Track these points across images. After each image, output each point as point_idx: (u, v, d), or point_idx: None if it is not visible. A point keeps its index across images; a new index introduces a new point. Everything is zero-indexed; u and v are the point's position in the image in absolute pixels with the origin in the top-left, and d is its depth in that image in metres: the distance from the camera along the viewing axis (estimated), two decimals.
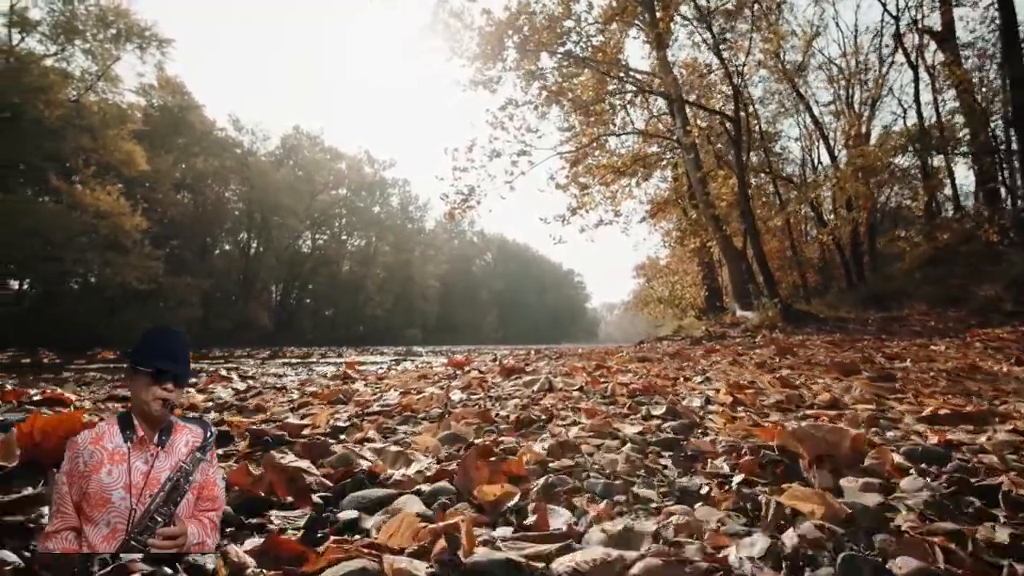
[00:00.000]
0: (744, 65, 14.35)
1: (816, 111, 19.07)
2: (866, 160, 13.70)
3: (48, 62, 23.83)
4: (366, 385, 4.10)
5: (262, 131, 44.46)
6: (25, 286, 26.09)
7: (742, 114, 13.49)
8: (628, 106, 16.49)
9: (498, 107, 14.22)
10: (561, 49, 13.06)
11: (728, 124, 13.44)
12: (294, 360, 10.58)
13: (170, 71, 31.56)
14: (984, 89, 15.84)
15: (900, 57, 17.29)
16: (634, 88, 14.59)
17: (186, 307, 30.58)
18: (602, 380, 3.80)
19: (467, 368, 5.44)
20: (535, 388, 3.46)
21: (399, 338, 51.40)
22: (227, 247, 42.66)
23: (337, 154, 53.25)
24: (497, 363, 5.90)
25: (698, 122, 15.43)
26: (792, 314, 11.34)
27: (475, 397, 3.21)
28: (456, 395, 3.25)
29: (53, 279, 24.75)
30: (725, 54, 13.81)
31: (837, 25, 21.40)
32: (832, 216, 18.73)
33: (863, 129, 17.93)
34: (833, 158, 18.68)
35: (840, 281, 18.81)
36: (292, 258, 45.75)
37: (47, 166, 22.30)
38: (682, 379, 3.93)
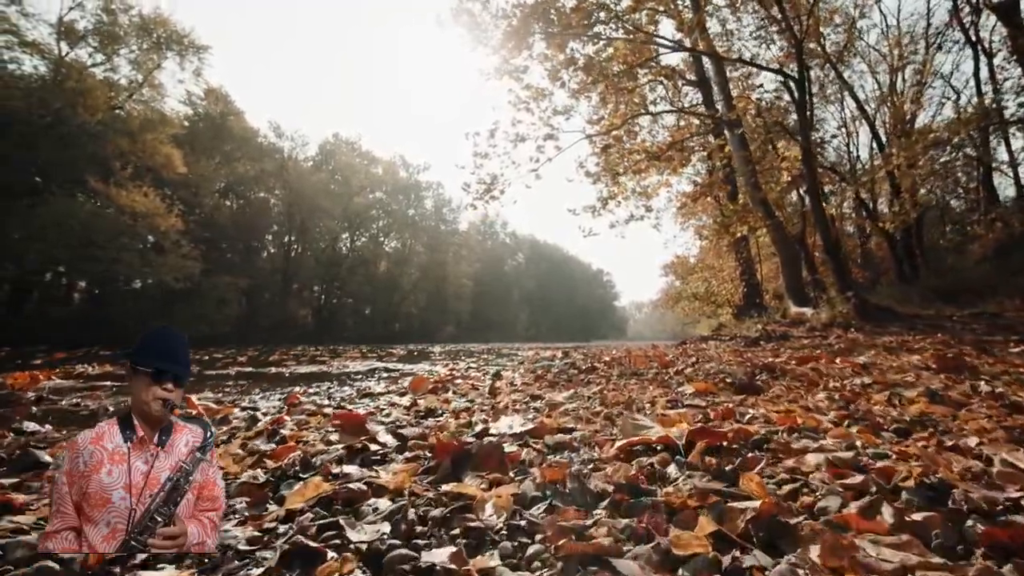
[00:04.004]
0: (809, 18, 11.86)
1: (862, 96, 18.12)
2: (937, 136, 12.63)
3: (97, 71, 25.22)
4: None
5: (301, 137, 45.99)
6: (83, 285, 28.01)
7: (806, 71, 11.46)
8: (661, 84, 15.49)
9: (522, 87, 13.04)
10: (590, 32, 12.28)
11: (792, 85, 11.98)
12: (240, 370, 8.18)
13: (214, 81, 32.92)
14: None
15: (947, 41, 16.23)
16: (670, 48, 12.86)
17: (227, 305, 31.91)
18: None
19: (362, 440, 2.25)
20: None
21: (434, 335, 52.27)
22: (272, 250, 44.43)
23: (373, 158, 54.50)
24: (456, 411, 3.10)
25: (749, 94, 14.42)
26: (868, 310, 9.79)
27: None
28: None
29: (100, 279, 26.23)
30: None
31: (880, 9, 20.09)
32: (893, 204, 17.53)
33: (909, 115, 16.91)
34: (881, 146, 17.68)
35: (888, 276, 17.81)
36: (330, 259, 47.14)
37: (89, 169, 23.41)
38: None
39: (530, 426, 2.38)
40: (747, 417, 2.47)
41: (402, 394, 4.17)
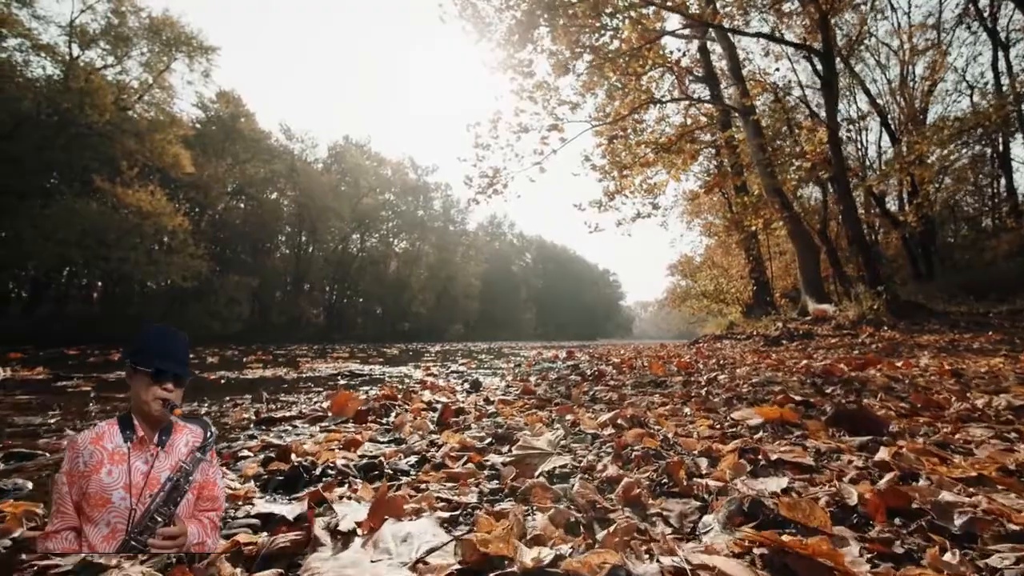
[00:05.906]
0: None
1: (874, 90, 17.85)
2: (964, 123, 12.26)
3: (108, 73, 25.38)
4: None
5: (311, 139, 46.32)
6: (99, 284, 28.44)
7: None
8: (670, 74, 15.06)
9: (523, 74, 12.48)
10: (597, 24, 11.77)
11: (816, 61, 11.38)
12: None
13: (223, 83, 33.04)
14: None
15: (969, 23, 15.89)
16: (681, 28, 12.39)
17: (238, 304, 32.18)
18: None
19: None
20: None
21: (442, 334, 52.55)
22: (285, 250, 44.83)
23: (382, 160, 54.74)
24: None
25: (763, 80, 13.96)
26: (901, 306, 9.16)
27: None
28: None
29: (111, 278, 26.50)
30: None
31: (891, 3, 19.61)
32: (913, 197, 17.09)
33: (921, 109, 16.63)
34: (894, 140, 17.40)
35: (900, 273, 17.56)
36: (341, 259, 47.46)
37: (98, 169, 23.64)
38: None
39: (448, 568, 0.93)
40: (960, 519, 1.05)
41: (316, 420, 3.00)
